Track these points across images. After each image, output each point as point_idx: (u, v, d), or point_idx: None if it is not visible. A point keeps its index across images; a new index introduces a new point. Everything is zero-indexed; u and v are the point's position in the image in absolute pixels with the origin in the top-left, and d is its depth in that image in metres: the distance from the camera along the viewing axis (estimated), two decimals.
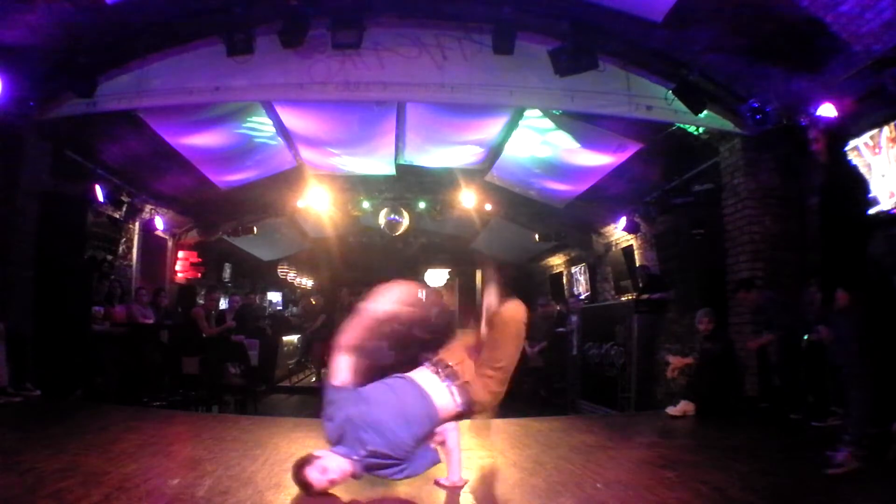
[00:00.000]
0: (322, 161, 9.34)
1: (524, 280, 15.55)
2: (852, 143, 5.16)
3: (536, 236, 11.85)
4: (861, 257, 3.43)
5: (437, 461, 2.79)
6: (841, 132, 3.93)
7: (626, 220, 9.17)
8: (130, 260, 8.95)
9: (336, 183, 10.29)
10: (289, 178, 9.69)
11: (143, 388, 6.81)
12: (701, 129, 6.53)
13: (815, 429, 4.48)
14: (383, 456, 2.60)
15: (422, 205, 11.14)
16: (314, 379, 12.06)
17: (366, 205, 11.16)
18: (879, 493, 2.96)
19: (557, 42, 5.90)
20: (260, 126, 7.90)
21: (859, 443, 3.24)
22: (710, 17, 5.14)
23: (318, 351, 12.71)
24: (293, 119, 7.72)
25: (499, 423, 5.18)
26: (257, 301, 14.16)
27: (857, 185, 3.66)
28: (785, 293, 5.57)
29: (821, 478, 3.23)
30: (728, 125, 6.25)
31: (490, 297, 3.09)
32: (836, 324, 3.49)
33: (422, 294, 2.95)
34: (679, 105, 6.02)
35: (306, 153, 8.97)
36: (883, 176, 5.02)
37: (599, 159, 8.09)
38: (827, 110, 5.17)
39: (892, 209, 4.94)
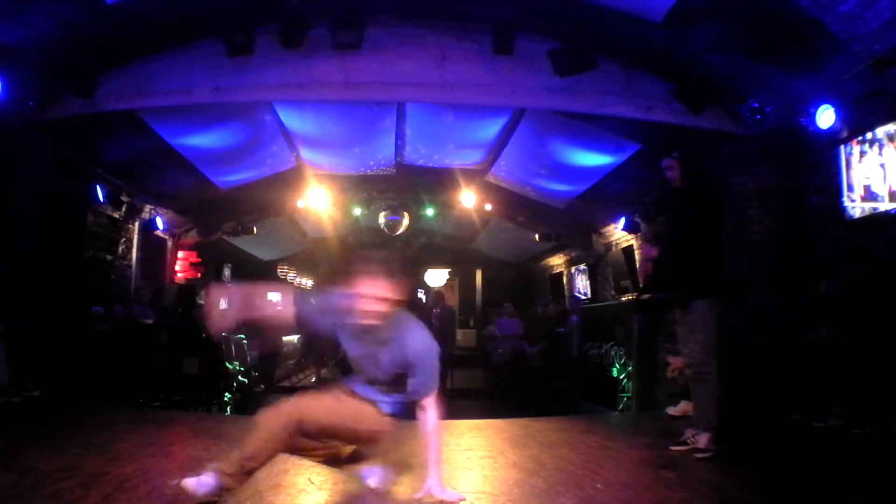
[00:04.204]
0: (322, 161, 9.35)
1: (524, 280, 15.57)
2: (868, 135, 5.16)
3: (536, 236, 11.85)
4: (719, 264, 3.88)
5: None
6: (694, 158, 4.31)
7: (626, 220, 9.16)
8: (130, 260, 8.94)
9: (336, 183, 10.30)
10: (289, 178, 9.70)
11: (143, 388, 6.80)
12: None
13: (816, 429, 4.48)
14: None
15: (429, 211, 11.16)
16: (314, 379, 12.07)
17: (365, 205, 11.16)
18: (880, 494, 2.96)
19: (557, 42, 5.90)
20: (260, 126, 7.90)
21: (714, 430, 3.64)
22: (710, 17, 5.13)
23: (317, 351, 12.72)
24: (293, 119, 7.72)
25: (499, 424, 5.18)
26: None
27: (712, 202, 4.06)
28: (784, 294, 5.57)
29: (821, 478, 3.24)
30: (728, 125, 6.25)
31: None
32: (692, 324, 3.80)
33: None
34: (679, 105, 6.02)
35: (306, 153, 8.98)
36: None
37: (599, 159, 8.09)
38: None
39: (893, 209, 4.94)
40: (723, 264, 3.97)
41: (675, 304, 4.00)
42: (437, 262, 16.33)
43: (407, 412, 2.72)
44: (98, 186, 7.44)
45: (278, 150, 8.76)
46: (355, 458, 2.72)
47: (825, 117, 5.35)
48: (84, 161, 7.12)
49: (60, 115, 6.06)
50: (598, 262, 11.23)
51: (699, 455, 3.58)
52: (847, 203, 5.38)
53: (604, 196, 9.23)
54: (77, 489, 2.63)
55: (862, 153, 5.24)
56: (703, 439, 3.67)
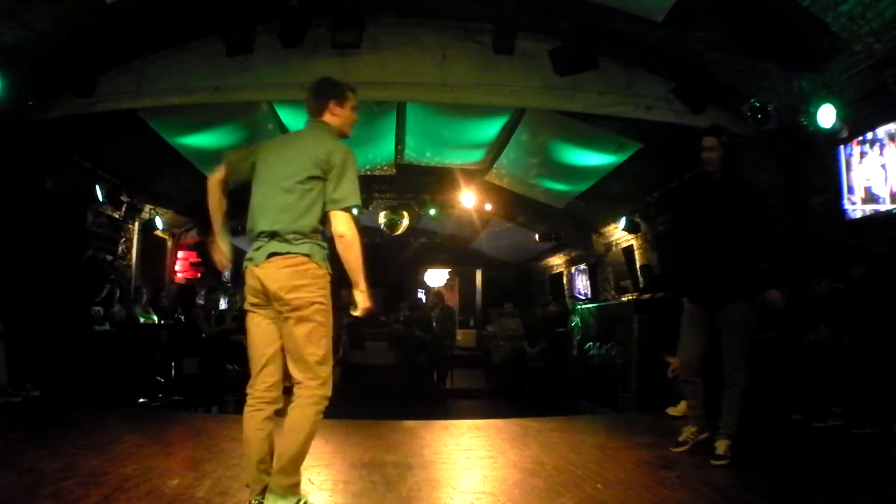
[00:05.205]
0: None
1: (524, 280, 15.56)
2: (869, 135, 5.15)
3: (536, 236, 11.84)
4: (759, 264, 3.66)
5: None
6: (735, 145, 4.02)
7: (626, 220, 9.16)
8: (130, 260, 8.94)
9: None
10: None
11: (143, 388, 6.79)
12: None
13: (816, 429, 4.47)
14: None
15: (430, 211, 11.15)
16: None
17: (365, 205, 11.14)
18: (880, 493, 2.96)
19: (557, 42, 5.89)
20: (260, 126, 7.89)
21: (733, 436, 3.52)
22: (711, 17, 5.14)
23: None
24: (293, 119, 7.71)
25: (499, 423, 5.18)
26: None
27: (760, 196, 3.85)
28: (785, 293, 5.56)
29: (821, 478, 3.24)
30: (728, 125, 6.23)
31: None
32: (725, 326, 3.56)
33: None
34: (679, 105, 6.02)
35: None
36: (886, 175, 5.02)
37: (599, 159, 8.09)
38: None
39: (894, 210, 4.93)
40: (759, 265, 3.70)
41: (703, 303, 3.65)
42: (437, 262, 16.32)
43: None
44: (98, 186, 7.43)
45: None
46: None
47: (826, 117, 5.34)
48: (84, 161, 7.12)
49: (60, 114, 6.06)
50: (598, 262, 11.23)
51: (717, 462, 3.41)
52: (847, 206, 5.37)
53: (604, 196, 9.23)
54: (77, 489, 2.62)
55: (862, 154, 5.23)
56: (722, 446, 3.48)
